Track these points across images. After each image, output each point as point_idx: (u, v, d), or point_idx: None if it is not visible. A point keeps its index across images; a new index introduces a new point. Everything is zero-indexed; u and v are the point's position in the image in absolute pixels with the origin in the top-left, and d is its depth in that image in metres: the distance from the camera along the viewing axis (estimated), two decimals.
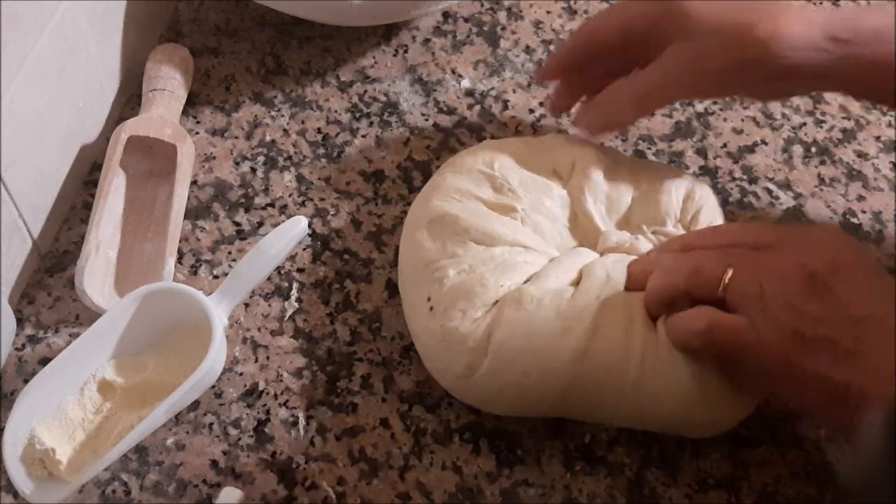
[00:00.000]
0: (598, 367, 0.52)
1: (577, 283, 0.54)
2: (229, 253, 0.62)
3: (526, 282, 0.54)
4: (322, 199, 0.64)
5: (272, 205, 0.64)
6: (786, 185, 0.67)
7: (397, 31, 0.73)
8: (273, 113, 0.68)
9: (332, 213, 0.64)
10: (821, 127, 0.70)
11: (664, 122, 0.70)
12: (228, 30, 0.72)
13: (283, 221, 0.59)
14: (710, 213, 0.59)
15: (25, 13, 0.54)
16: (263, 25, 0.73)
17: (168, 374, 0.54)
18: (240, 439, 0.55)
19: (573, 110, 0.65)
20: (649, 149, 0.68)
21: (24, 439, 0.52)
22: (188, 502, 0.53)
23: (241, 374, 0.57)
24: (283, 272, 0.61)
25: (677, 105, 0.70)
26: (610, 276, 0.54)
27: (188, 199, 0.63)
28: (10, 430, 0.51)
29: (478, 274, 0.54)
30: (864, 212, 0.66)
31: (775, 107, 0.71)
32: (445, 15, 0.74)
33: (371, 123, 0.68)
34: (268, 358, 0.58)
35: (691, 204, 0.59)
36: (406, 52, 0.72)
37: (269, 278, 0.60)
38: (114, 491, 0.53)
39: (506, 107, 0.70)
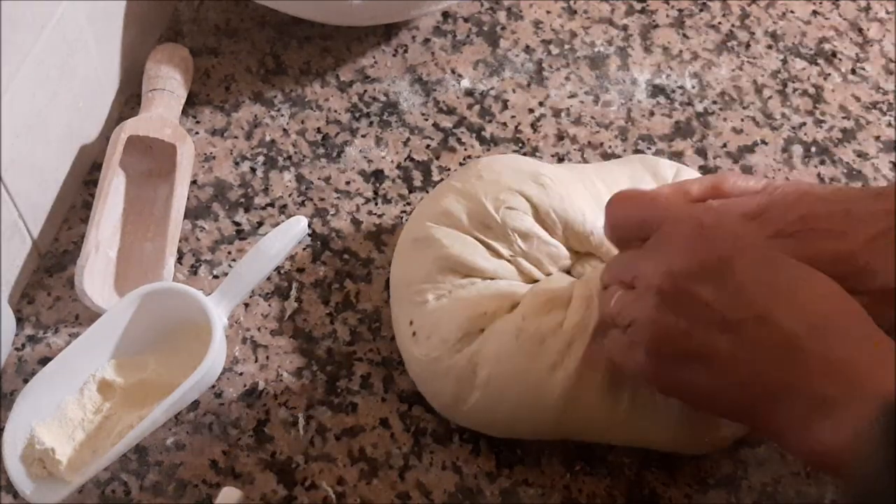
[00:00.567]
0: (588, 407, 0.52)
1: (562, 306, 0.53)
2: (229, 253, 0.62)
3: (512, 308, 0.53)
4: (322, 199, 0.64)
5: (272, 205, 0.64)
6: None
7: (397, 31, 0.73)
8: (273, 113, 0.68)
9: (331, 213, 0.64)
10: (821, 127, 0.70)
11: (664, 121, 0.70)
12: (228, 30, 0.72)
13: (283, 221, 0.59)
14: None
15: (25, 13, 0.53)
16: (263, 25, 0.73)
17: (168, 374, 0.54)
18: (239, 439, 0.55)
19: None
20: (649, 148, 0.68)
21: (23, 439, 0.52)
22: (188, 502, 0.53)
23: (240, 374, 0.57)
24: (282, 272, 0.61)
25: (677, 105, 0.70)
26: (594, 298, 0.52)
27: (188, 198, 0.63)
28: (10, 429, 0.51)
29: (458, 300, 0.53)
30: None
31: (775, 107, 0.71)
32: (445, 15, 0.74)
33: (371, 123, 0.68)
34: (267, 358, 0.58)
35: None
36: (406, 51, 0.72)
37: (268, 278, 0.60)
38: (113, 491, 0.53)
39: (505, 107, 0.70)
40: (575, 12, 0.76)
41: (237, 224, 0.63)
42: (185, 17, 0.73)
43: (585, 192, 0.57)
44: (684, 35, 0.75)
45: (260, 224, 0.63)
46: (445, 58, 0.72)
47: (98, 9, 0.62)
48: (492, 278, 0.55)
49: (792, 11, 0.77)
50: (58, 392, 0.53)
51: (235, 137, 0.67)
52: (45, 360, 0.56)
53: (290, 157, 0.66)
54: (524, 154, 0.66)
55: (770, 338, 0.43)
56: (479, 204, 0.56)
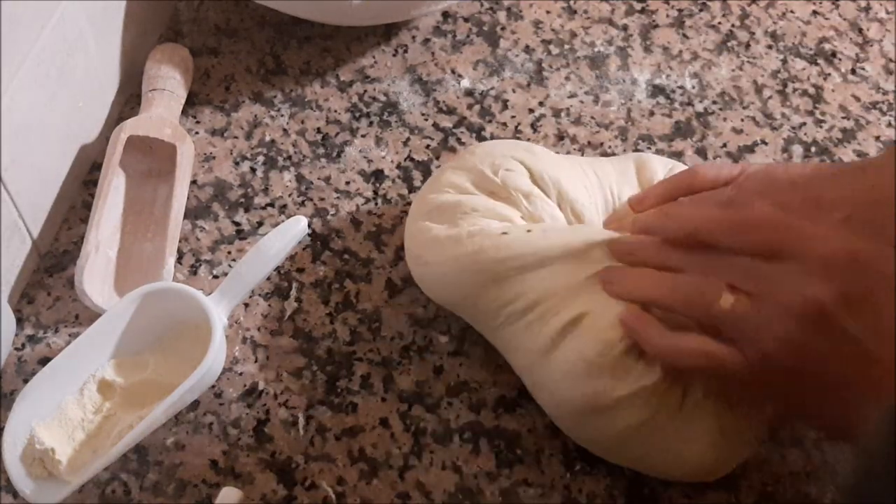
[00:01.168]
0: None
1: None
2: (229, 253, 0.62)
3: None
4: (322, 199, 0.64)
5: (272, 204, 0.64)
6: None
7: (397, 30, 0.73)
8: (273, 113, 0.68)
9: (331, 213, 0.64)
10: (820, 127, 0.70)
11: (664, 121, 0.70)
12: (228, 30, 0.72)
13: (283, 221, 0.59)
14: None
15: (25, 13, 0.53)
16: (263, 25, 0.73)
17: (168, 374, 0.54)
18: (239, 439, 0.55)
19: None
20: (649, 148, 0.68)
21: (23, 439, 0.52)
22: (188, 502, 0.53)
23: (240, 373, 0.57)
24: (282, 272, 0.61)
25: (677, 105, 0.70)
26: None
27: (188, 198, 0.63)
28: (10, 429, 0.51)
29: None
30: None
31: (775, 106, 0.71)
32: (445, 15, 0.74)
33: (371, 123, 0.68)
34: (267, 358, 0.58)
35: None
36: (406, 51, 0.72)
37: (268, 278, 0.60)
38: (113, 491, 0.53)
39: (505, 106, 0.70)
40: (575, 12, 0.76)
41: (237, 224, 0.63)
42: (185, 17, 0.73)
43: (574, 169, 0.58)
44: (684, 35, 0.75)
45: (260, 224, 0.63)
46: (445, 58, 0.72)
47: (98, 9, 0.62)
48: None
49: (792, 11, 0.77)
50: (58, 392, 0.53)
51: (235, 137, 0.67)
52: (45, 360, 0.56)
53: (290, 157, 0.66)
54: None
55: None
56: (477, 172, 0.56)
